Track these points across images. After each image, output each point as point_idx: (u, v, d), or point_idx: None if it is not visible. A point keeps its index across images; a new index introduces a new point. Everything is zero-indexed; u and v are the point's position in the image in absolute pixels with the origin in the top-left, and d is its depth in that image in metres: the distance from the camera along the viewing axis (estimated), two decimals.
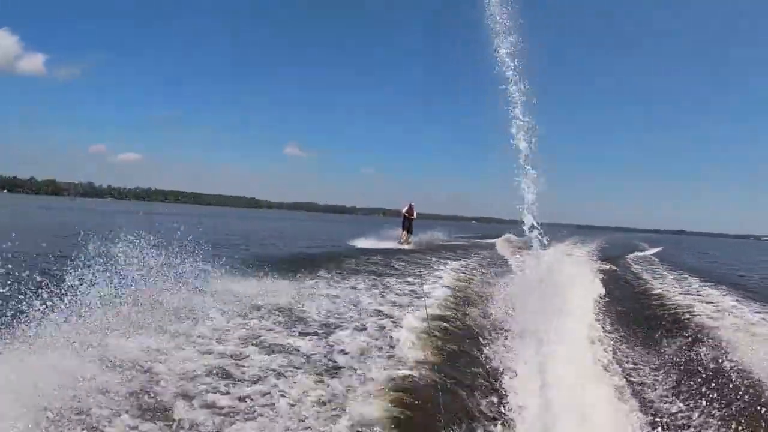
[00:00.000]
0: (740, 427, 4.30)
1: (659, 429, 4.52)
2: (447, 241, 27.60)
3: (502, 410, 4.46)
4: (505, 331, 7.08)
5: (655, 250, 32.10)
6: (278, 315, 6.42)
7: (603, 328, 8.05)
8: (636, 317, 9.44)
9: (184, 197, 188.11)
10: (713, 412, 4.71)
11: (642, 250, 31.44)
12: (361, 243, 21.24)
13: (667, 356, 6.75)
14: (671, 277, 15.59)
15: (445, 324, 6.70)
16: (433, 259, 15.63)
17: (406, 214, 23.30)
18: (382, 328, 6.08)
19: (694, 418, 4.72)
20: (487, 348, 6.21)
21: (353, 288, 8.98)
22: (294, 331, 5.75)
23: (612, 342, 7.30)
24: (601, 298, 10.39)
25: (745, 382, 5.10)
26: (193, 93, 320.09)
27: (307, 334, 5.71)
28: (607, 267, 17.39)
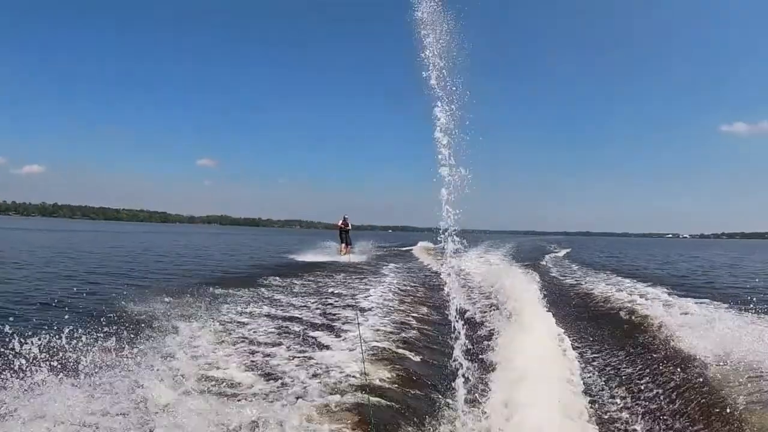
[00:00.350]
0: (677, 403, 4.64)
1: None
2: (377, 251, 28.67)
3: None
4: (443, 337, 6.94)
5: (565, 251, 34.77)
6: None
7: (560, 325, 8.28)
8: (570, 312, 10.22)
9: (93, 212, 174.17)
10: (653, 388, 5.17)
11: (554, 252, 33.85)
12: (302, 257, 21.27)
13: (606, 344, 7.45)
14: (595, 275, 17.26)
15: (383, 343, 6.52)
16: (367, 270, 16.44)
17: (342, 227, 23.76)
18: (318, 345, 6.20)
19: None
20: (425, 357, 6.22)
21: (292, 305, 9.11)
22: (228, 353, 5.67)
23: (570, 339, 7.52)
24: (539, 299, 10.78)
25: (674, 360, 5.74)
26: (100, 101, 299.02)
27: (244, 353, 5.70)
28: (529, 269, 18.52)
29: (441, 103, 4.70)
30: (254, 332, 6.77)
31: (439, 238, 4.55)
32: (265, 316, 7.97)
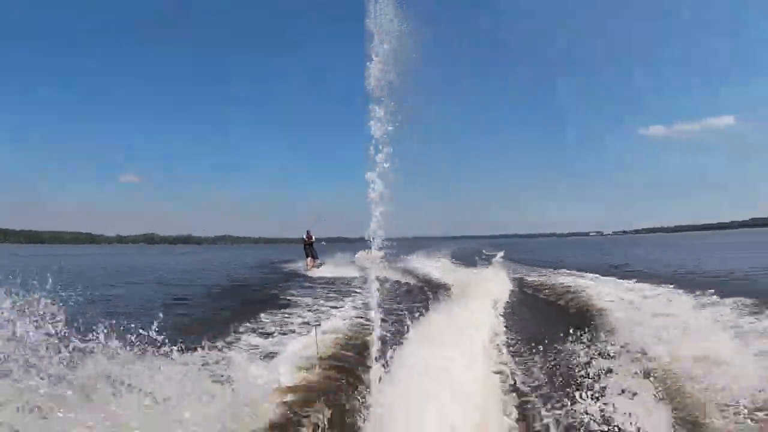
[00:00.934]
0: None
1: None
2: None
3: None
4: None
5: (502, 253, 36.72)
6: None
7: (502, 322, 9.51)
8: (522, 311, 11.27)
9: (13, 236, 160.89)
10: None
11: (492, 254, 35.84)
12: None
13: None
14: (541, 271, 19.70)
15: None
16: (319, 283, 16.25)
17: (306, 240, 23.73)
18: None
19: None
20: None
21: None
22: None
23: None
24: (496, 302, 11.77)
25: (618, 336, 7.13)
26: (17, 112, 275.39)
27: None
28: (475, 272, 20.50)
29: (378, 107, 4.57)
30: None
31: (373, 248, 4.37)
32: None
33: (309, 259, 23.34)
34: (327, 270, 21.43)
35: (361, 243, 24.15)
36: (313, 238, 24.00)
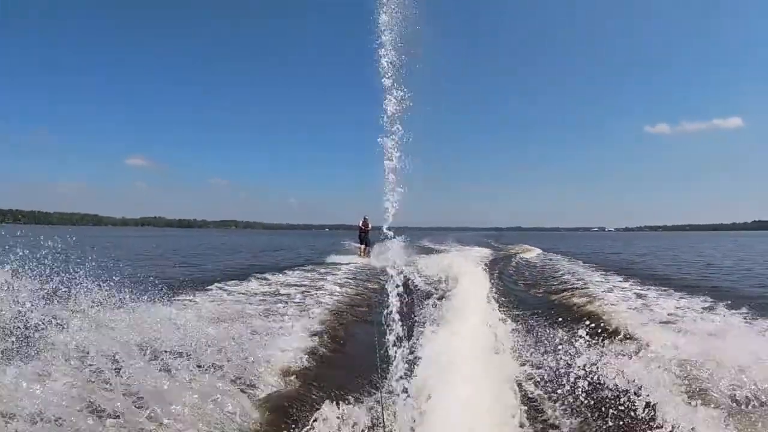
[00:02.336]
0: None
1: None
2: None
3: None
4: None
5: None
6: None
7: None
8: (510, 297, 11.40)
9: (24, 216, 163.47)
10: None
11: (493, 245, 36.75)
12: (331, 258, 20.83)
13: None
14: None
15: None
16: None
17: (362, 227, 23.20)
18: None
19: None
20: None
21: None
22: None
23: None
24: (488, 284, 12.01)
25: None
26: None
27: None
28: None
29: (389, 96, 4.55)
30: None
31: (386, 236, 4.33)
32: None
33: (362, 246, 22.80)
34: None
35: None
36: (370, 226, 23.00)
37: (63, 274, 6.33)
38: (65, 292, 6.17)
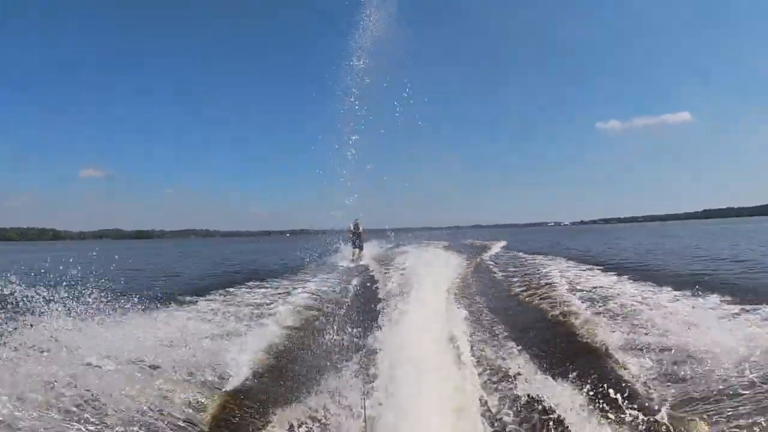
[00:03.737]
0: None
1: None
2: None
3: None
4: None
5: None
6: None
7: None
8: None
9: None
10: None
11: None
12: (322, 260, 20.96)
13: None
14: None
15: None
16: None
17: (354, 231, 23.12)
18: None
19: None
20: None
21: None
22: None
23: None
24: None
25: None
26: None
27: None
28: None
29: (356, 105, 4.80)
30: None
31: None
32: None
33: (355, 249, 22.88)
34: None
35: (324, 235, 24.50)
36: (361, 228, 23.17)
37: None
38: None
